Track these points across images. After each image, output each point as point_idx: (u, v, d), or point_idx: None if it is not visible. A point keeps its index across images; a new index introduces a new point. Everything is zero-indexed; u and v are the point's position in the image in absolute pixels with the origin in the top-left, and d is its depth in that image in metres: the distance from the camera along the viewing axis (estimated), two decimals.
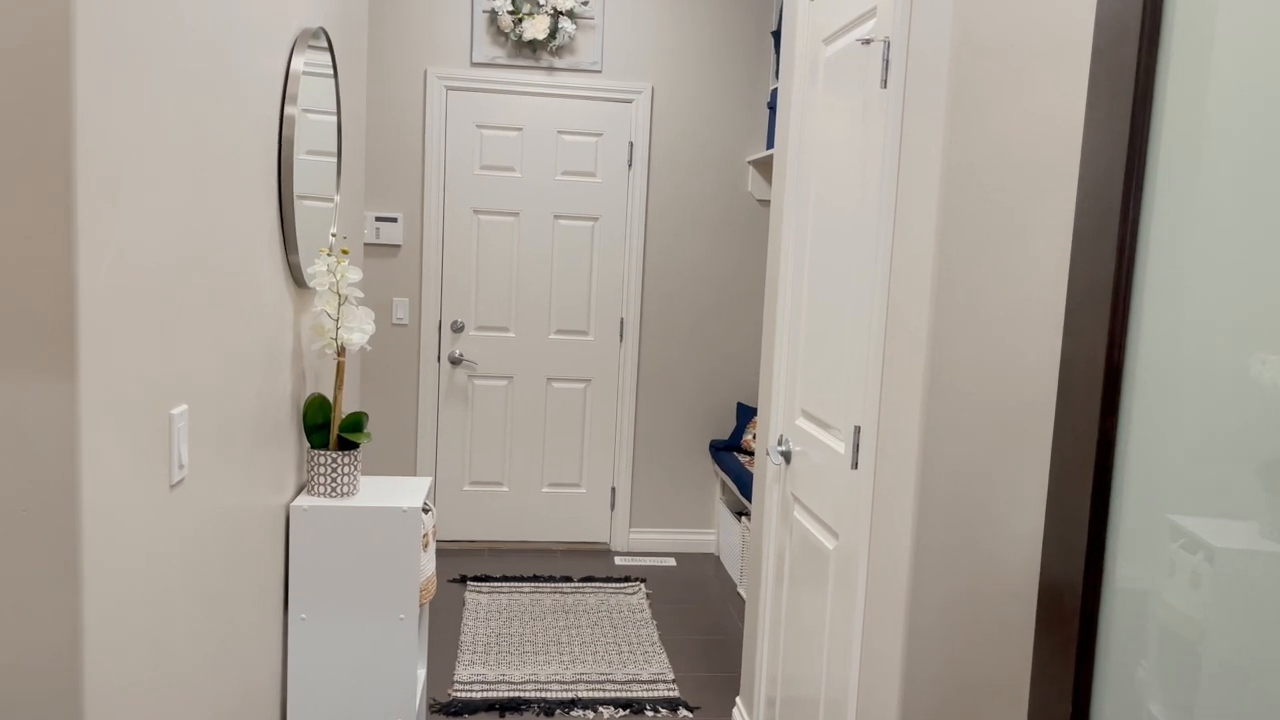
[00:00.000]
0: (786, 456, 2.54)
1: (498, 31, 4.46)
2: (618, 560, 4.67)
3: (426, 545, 2.51)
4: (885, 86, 1.97)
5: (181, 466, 1.60)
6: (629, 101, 4.58)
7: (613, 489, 4.79)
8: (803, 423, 2.47)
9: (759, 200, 4.70)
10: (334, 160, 2.70)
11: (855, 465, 2.07)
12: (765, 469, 2.77)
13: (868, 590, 2.00)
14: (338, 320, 2.40)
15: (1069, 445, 1.03)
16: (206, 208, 1.68)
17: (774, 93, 4.45)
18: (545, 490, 4.76)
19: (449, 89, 4.48)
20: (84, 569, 1.28)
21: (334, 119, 2.68)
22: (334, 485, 2.41)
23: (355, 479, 2.45)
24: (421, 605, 2.54)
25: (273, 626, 2.27)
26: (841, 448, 2.17)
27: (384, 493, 2.49)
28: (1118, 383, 0.97)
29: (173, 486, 1.58)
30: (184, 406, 1.60)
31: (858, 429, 2.06)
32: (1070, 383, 1.03)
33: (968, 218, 1.71)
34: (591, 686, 3.28)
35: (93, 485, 1.29)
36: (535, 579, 4.30)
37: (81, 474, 1.26)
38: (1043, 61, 1.69)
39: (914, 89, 1.83)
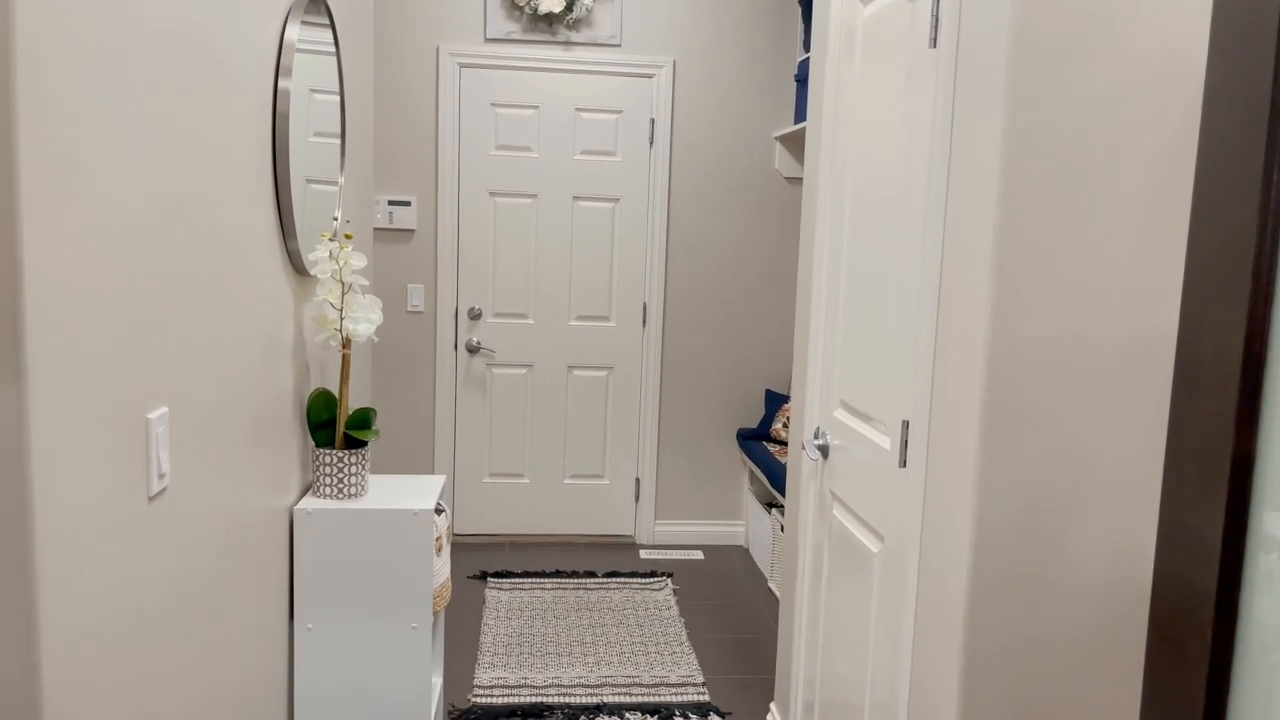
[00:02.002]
0: (824, 451, 2.36)
1: (512, 5, 4.28)
2: (643, 554, 4.51)
3: (440, 549, 2.35)
4: (935, 45, 1.78)
5: (162, 476, 1.44)
6: (650, 76, 4.39)
7: (637, 480, 4.63)
8: (841, 415, 2.29)
9: (787, 178, 4.50)
10: (338, 141, 2.54)
11: (903, 463, 1.89)
12: (800, 464, 2.59)
13: (919, 596, 1.83)
14: (342, 310, 2.25)
15: (1192, 450, 0.85)
16: (187, 192, 1.52)
17: (802, 65, 4.25)
18: (567, 482, 4.61)
19: (462, 66, 4.31)
20: (40, 596, 1.12)
21: (337, 98, 2.52)
22: (340, 486, 2.26)
23: (363, 479, 2.30)
24: (435, 613, 2.39)
25: (277, 638, 2.13)
26: (886, 443, 1.99)
27: (394, 493, 2.34)
28: (1259, 379, 0.79)
29: (152, 498, 1.42)
30: (163, 409, 1.44)
31: (906, 424, 1.88)
32: (1192, 379, 0.85)
33: (1034, 187, 1.52)
34: (617, 690, 3.13)
35: (49, 502, 1.14)
36: (558, 574, 4.15)
37: (34, 490, 1.11)
38: (1122, 3, 1.50)
39: (969, 46, 1.64)
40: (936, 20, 1.77)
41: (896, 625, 1.93)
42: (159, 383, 1.44)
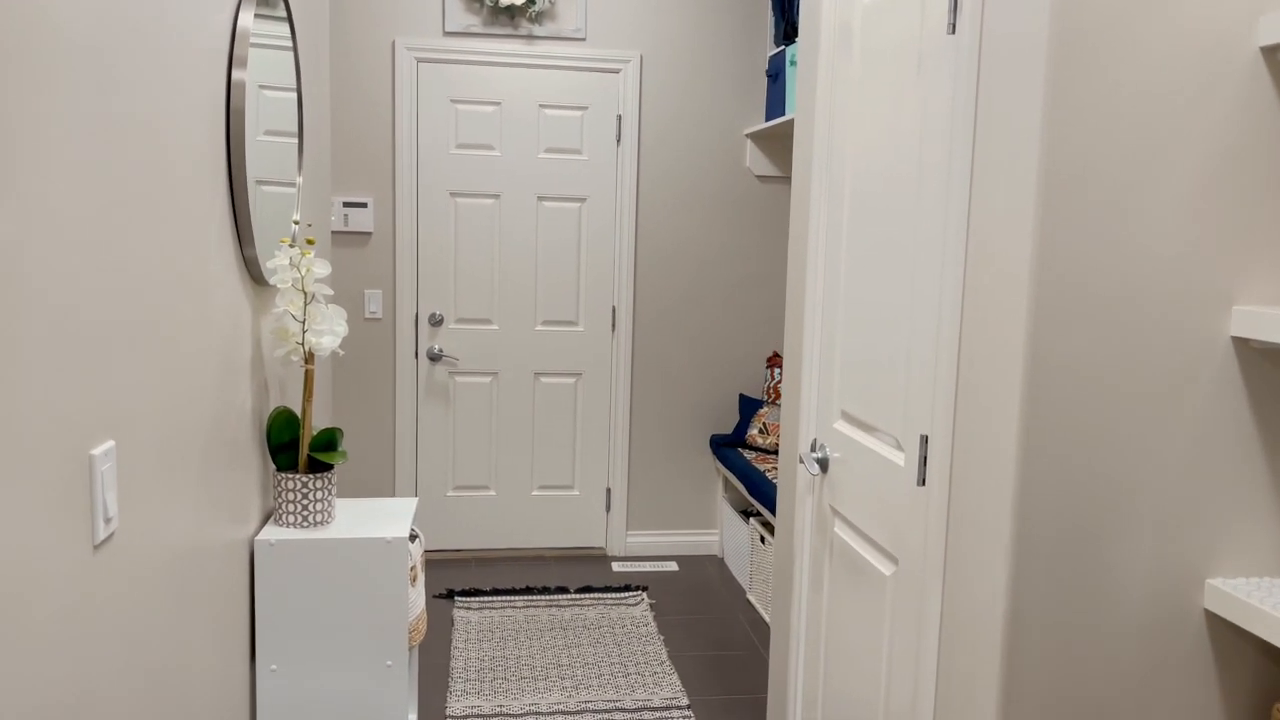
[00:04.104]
0: (823, 464, 2.23)
1: None
2: (615, 566, 4.35)
3: (415, 579, 2.18)
4: (953, 32, 1.65)
5: (109, 520, 1.26)
6: (616, 72, 4.24)
7: (608, 490, 4.47)
8: (843, 427, 2.16)
9: (758, 176, 4.37)
10: (294, 141, 2.35)
11: (922, 481, 1.76)
12: (795, 478, 2.45)
13: (944, 625, 1.70)
14: (304, 322, 2.06)
15: None
16: (134, 192, 1.34)
17: (773, 60, 4.12)
18: (535, 493, 4.43)
19: (420, 61, 4.12)
20: None
21: (294, 95, 2.33)
22: (305, 514, 2.08)
23: (330, 505, 2.12)
24: (411, 648, 2.21)
25: (238, 682, 1.94)
26: (900, 459, 1.86)
27: (363, 519, 2.16)
28: None
29: (97, 546, 1.24)
30: (109, 443, 1.26)
31: (924, 439, 1.75)
32: None
33: (1075, 185, 1.40)
34: (599, 717, 2.97)
35: None
36: (528, 591, 3.98)
37: None
38: None
39: (996, 32, 1.52)
40: (956, 4, 1.64)
41: (916, 652, 1.80)
42: (104, 412, 1.25)
